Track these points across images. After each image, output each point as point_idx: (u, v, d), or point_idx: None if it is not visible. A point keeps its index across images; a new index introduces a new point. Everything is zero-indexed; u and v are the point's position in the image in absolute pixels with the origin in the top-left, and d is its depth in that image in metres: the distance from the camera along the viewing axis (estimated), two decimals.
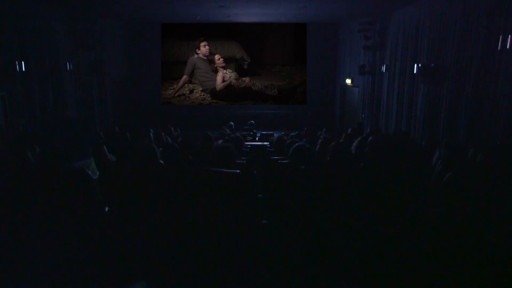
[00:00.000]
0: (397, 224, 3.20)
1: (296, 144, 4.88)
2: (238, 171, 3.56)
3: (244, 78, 15.00)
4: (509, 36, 6.13)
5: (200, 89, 15.06)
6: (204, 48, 14.66)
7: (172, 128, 11.18)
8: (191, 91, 15.12)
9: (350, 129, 9.77)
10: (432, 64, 8.37)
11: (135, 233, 3.16)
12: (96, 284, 2.71)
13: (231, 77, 14.81)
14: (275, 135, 10.00)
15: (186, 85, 15.11)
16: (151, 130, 8.72)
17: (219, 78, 14.80)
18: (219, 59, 14.67)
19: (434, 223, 3.19)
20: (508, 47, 6.16)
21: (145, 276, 2.93)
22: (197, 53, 14.75)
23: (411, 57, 9.55)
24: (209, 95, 15.00)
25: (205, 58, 14.75)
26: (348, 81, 14.14)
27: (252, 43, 15.34)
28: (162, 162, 4.56)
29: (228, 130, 11.43)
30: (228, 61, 14.96)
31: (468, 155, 4.92)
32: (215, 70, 14.85)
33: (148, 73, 15.64)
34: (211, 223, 3.12)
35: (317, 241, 3.26)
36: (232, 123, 12.43)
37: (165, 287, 2.92)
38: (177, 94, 15.05)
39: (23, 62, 8.26)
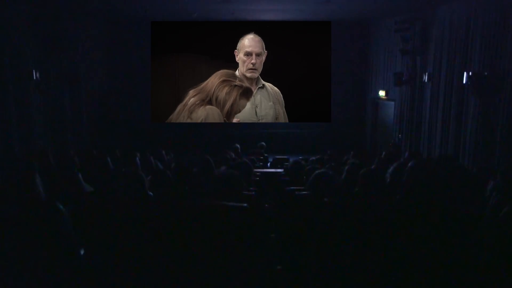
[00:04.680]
0: (444, 270, 3.20)
1: (317, 171, 4.90)
2: (246, 204, 3.59)
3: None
4: None
5: None
6: None
7: (163, 152, 11.21)
8: None
9: (384, 153, 9.77)
10: (486, 72, 8.38)
11: (118, 283, 3.18)
12: None
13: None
14: (291, 160, 10.04)
15: None
16: (138, 154, 8.76)
17: None
18: None
19: (490, 267, 3.19)
20: None
21: None
22: None
23: (459, 63, 9.57)
24: None
25: None
26: (382, 93, 14.17)
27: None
28: (151, 193, 4.61)
29: (233, 154, 11.44)
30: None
31: None
32: None
33: (135, 83, 15.67)
34: (212, 269, 3.14)
35: None
36: (238, 146, 12.43)
37: None
38: None
39: None
